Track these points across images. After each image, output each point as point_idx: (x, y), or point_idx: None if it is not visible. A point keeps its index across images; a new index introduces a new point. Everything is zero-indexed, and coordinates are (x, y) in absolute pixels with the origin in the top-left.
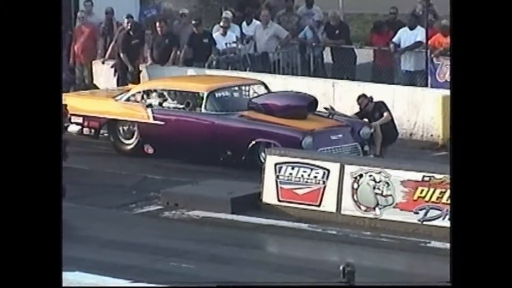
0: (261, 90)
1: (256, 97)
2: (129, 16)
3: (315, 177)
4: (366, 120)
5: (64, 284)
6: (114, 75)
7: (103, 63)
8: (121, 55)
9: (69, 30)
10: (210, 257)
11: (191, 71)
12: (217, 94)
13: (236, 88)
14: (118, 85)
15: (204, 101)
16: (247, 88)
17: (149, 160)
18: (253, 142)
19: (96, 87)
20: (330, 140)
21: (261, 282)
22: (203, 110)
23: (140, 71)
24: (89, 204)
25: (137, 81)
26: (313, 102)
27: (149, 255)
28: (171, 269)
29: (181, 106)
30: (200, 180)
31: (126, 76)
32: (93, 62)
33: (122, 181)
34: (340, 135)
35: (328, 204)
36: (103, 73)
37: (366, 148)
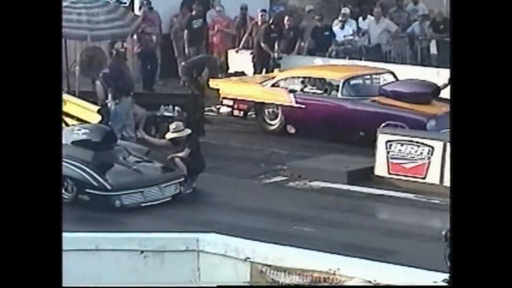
0: (390, 78)
1: (386, 84)
2: (263, 11)
3: (421, 153)
4: None
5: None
6: (252, 61)
7: (237, 52)
8: (263, 45)
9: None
10: (328, 222)
11: (317, 60)
12: (352, 82)
13: (368, 77)
14: (255, 71)
15: (340, 87)
16: (377, 76)
17: (273, 137)
18: (383, 124)
19: (243, 74)
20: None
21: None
22: (339, 95)
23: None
24: (224, 174)
25: (272, 68)
26: (436, 89)
27: (275, 219)
28: (294, 232)
29: (320, 92)
30: (321, 155)
31: (264, 63)
32: (228, 51)
33: (252, 155)
34: None
35: (432, 177)
36: (237, 61)
37: None
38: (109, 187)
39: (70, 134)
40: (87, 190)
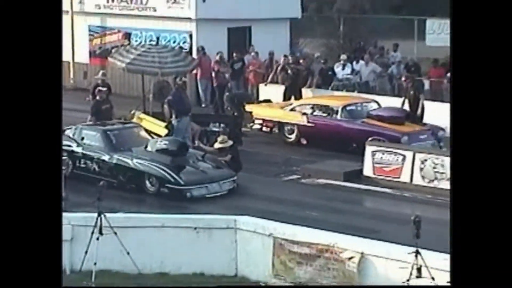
0: (375, 105)
1: (372, 110)
2: (285, 56)
3: (397, 160)
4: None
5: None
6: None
7: (265, 85)
8: (285, 82)
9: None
10: (330, 209)
11: (323, 92)
12: (348, 108)
13: (359, 104)
14: (284, 99)
15: (339, 112)
16: (366, 104)
17: (291, 146)
18: (370, 139)
19: (270, 101)
20: (419, 139)
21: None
22: (338, 117)
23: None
24: (255, 173)
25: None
26: (409, 114)
27: (291, 206)
28: (304, 216)
29: (325, 115)
30: (325, 160)
31: (291, 94)
32: (260, 85)
33: (275, 159)
34: (425, 136)
35: (404, 177)
36: (266, 92)
37: (442, 144)
38: (182, 182)
39: (154, 144)
40: (166, 185)
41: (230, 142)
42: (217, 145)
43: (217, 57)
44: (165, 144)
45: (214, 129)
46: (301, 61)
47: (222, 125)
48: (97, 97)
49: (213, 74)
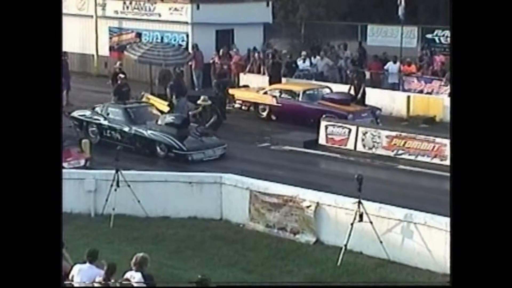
0: (328, 90)
1: (326, 94)
2: (258, 52)
3: (344, 132)
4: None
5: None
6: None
7: (244, 74)
8: (267, 71)
9: (228, 56)
10: (293, 169)
11: (288, 80)
12: (307, 92)
13: (316, 89)
14: (270, 84)
15: (300, 95)
16: (321, 89)
17: (263, 121)
18: (324, 116)
19: (247, 86)
20: (361, 116)
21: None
22: (300, 99)
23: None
24: (236, 141)
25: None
26: (353, 97)
27: (263, 167)
28: (273, 174)
29: (289, 97)
30: (289, 131)
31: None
32: (240, 73)
33: (251, 131)
34: (366, 114)
35: (349, 145)
36: (245, 79)
37: (378, 120)
38: (185, 149)
39: (163, 119)
40: (173, 151)
41: (210, 102)
42: (199, 102)
43: (194, 49)
44: (172, 119)
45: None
46: (269, 55)
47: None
48: (118, 82)
49: (215, 66)
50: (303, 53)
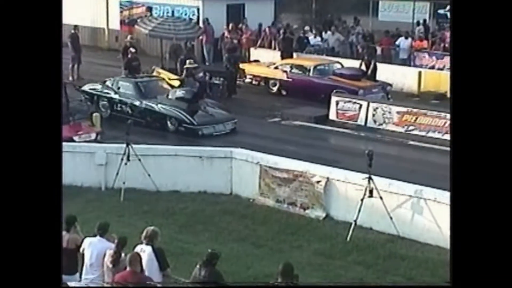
0: (338, 66)
1: (336, 69)
2: (269, 27)
3: (354, 107)
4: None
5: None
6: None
7: (255, 49)
8: (278, 46)
9: (239, 30)
10: (303, 144)
11: (299, 55)
12: (318, 67)
13: (327, 64)
14: (282, 59)
15: (311, 70)
16: (332, 64)
17: (274, 96)
18: (335, 91)
19: (258, 61)
20: (372, 92)
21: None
22: (310, 74)
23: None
24: (247, 116)
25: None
26: (364, 73)
27: (273, 142)
28: (284, 149)
29: (300, 72)
30: (300, 106)
31: (283, 55)
32: (251, 48)
33: (262, 105)
34: (377, 90)
35: (360, 121)
36: (255, 54)
37: (389, 96)
38: (195, 123)
39: (174, 93)
40: (183, 125)
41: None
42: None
43: (205, 24)
44: (182, 93)
45: (216, 81)
46: (281, 31)
47: (221, 78)
48: (129, 56)
49: (225, 40)
50: (306, 28)
